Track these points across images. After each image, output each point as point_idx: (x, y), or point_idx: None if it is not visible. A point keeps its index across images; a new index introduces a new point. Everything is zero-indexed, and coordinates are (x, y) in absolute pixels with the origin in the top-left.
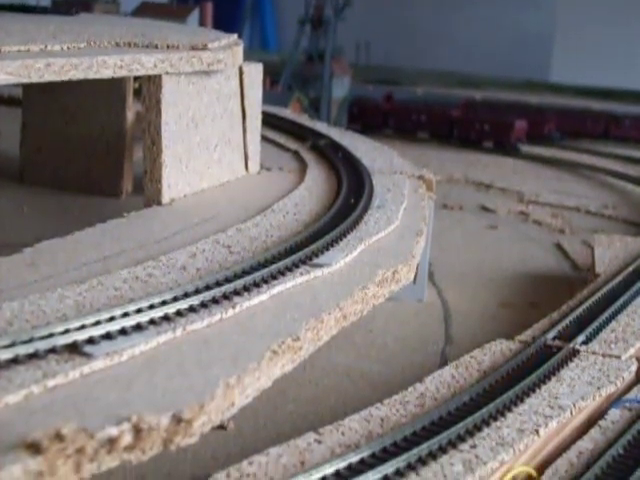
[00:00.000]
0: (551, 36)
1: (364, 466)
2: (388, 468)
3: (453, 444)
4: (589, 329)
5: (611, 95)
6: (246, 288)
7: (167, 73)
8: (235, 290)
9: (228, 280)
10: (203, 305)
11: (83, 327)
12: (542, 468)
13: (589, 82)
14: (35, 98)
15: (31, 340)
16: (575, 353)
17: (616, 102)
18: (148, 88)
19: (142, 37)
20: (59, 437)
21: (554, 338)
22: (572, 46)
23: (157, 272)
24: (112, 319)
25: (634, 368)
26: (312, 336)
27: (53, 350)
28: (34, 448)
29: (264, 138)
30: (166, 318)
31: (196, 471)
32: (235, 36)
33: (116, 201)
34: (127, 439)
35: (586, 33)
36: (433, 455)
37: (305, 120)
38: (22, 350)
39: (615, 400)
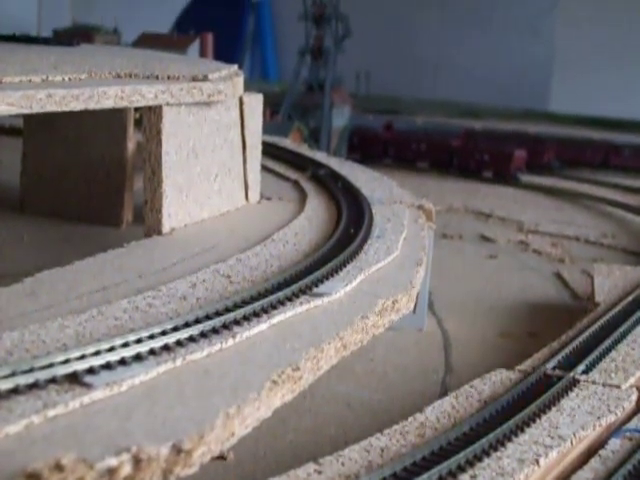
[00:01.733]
0: (550, 66)
1: None
2: None
3: (453, 474)
4: (589, 358)
5: (610, 124)
6: (246, 318)
7: (168, 104)
8: (235, 320)
9: (228, 310)
10: (203, 335)
11: (83, 357)
12: None
13: (588, 111)
14: (36, 128)
15: (31, 370)
16: (575, 383)
17: (615, 131)
18: (149, 118)
19: (143, 68)
20: (59, 467)
21: (554, 368)
22: (571, 76)
23: (157, 302)
24: (112, 349)
25: (634, 397)
26: (312, 366)
27: (53, 380)
28: (34, 478)
29: (264, 168)
30: (166, 348)
31: None
32: (235, 67)
33: (116, 231)
34: (127, 469)
35: (585, 63)
36: None
37: (305, 150)
38: (22, 380)
39: (615, 430)
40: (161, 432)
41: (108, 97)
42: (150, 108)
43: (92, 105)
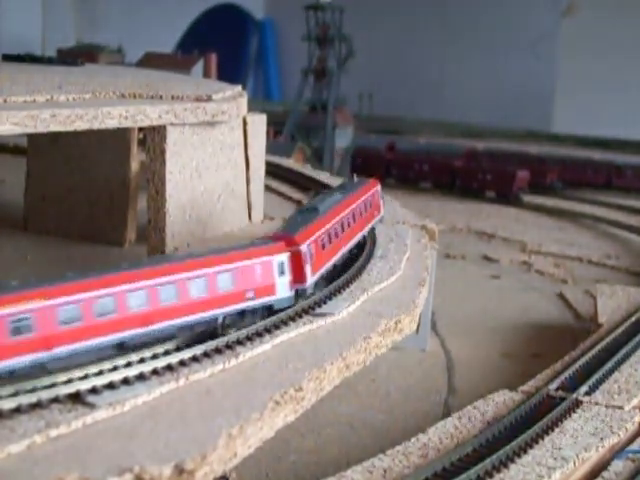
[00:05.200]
0: (552, 87)
1: None
2: None
3: None
4: (592, 380)
5: (613, 146)
6: (249, 338)
7: (171, 124)
8: (238, 340)
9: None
10: (206, 355)
11: (86, 377)
12: None
13: (591, 133)
14: (40, 148)
15: (34, 389)
16: (578, 404)
17: (618, 152)
18: (152, 138)
19: (147, 88)
20: None
21: (557, 389)
22: (573, 97)
23: None
24: (115, 369)
25: (637, 419)
26: (315, 386)
27: (56, 400)
28: None
29: (267, 188)
30: (169, 368)
31: None
32: (239, 87)
33: (119, 250)
34: None
35: (588, 84)
36: None
37: (308, 170)
38: (25, 400)
39: (618, 451)
40: (163, 452)
41: (112, 117)
42: (154, 128)
43: (96, 125)
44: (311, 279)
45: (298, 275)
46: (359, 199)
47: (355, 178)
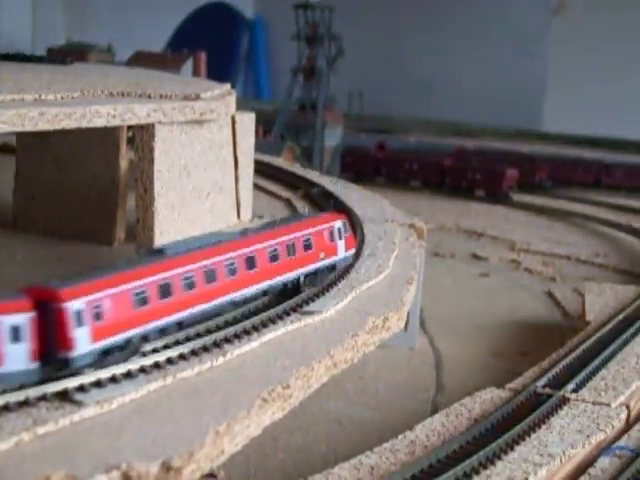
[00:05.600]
0: (543, 86)
1: None
2: None
3: None
4: (579, 377)
5: (602, 144)
6: (237, 335)
7: (160, 122)
8: (226, 338)
9: (219, 327)
10: (194, 353)
11: (74, 375)
12: None
13: (581, 131)
14: (29, 146)
15: (22, 387)
16: (565, 401)
17: (607, 151)
18: (141, 137)
19: (135, 87)
20: None
21: (544, 386)
22: (563, 96)
23: None
24: (102, 367)
25: (624, 416)
26: (302, 384)
27: (44, 398)
28: None
29: (256, 186)
30: (157, 366)
31: None
32: (228, 86)
33: (109, 249)
34: None
35: (578, 83)
36: None
37: (297, 169)
38: (13, 397)
39: (605, 448)
40: (151, 450)
41: (100, 115)
42: (142, 126)
43: (84, 123)
44: (88, 346)
45: (60, 341)
46: (275, 239)
47: (307, 211)
